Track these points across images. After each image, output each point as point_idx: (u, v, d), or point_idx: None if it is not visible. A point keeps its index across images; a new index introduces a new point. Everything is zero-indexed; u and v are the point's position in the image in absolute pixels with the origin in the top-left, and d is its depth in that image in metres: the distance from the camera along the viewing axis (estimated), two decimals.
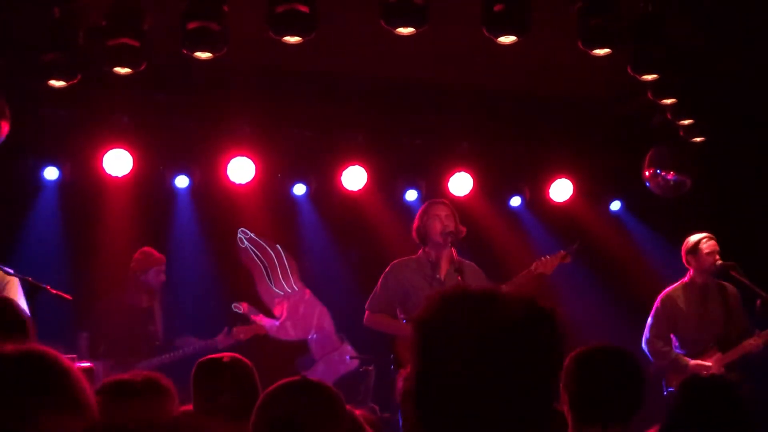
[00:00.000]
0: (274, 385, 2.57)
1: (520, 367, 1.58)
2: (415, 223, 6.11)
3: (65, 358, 1.95)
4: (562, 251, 6.21)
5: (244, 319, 8.16)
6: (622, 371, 3.15)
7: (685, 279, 6.67)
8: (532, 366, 1.60)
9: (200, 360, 3.66)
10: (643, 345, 6.65)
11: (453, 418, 1.59)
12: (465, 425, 1.58)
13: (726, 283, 6.64)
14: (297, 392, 2.55)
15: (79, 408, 1.88)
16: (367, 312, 6.16)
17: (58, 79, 5.43)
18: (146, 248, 7.06)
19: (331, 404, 2.53)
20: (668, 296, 6.68)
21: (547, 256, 6.16)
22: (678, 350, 6.62)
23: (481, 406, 1.57)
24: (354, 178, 8.07)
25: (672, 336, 6.67)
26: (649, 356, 6.59)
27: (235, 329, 7.07)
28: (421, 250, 6.12)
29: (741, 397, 3.04)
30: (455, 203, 8.02)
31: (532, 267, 6.09)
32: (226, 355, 3.71)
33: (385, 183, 8.32)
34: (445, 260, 6.02)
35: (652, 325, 6.66)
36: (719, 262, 6.46)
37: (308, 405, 2.51)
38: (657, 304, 6.70)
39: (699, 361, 6.47)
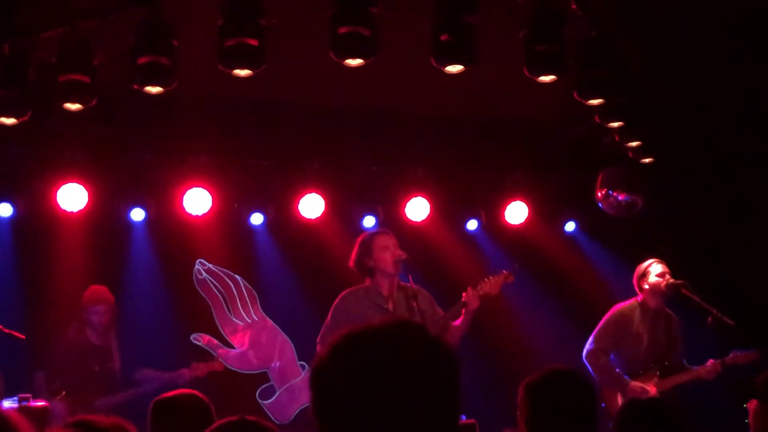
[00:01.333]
0: (213, 426, 2.55)
1: (409, 396, 1.61)
2: (355, 255, 5.99)
3: (27, 424, 1.91)
4: (504, 271, 6.15)
5: (203, 351, 8.10)
6: (576, 394, 3.20)
7: (639, 298, 6.70)
8: (421, 393, 1.63)
9: (157, 398, 3.63)
10: (585, 356, 6.61)
11: None
12: None
13: (671, 313, 6.71)
14: None
15: None
16: (318, 346, 5.91)
17: (8, 116, 5.37)
18: (96, 286, 7.01)
19: None
20: (622, 313, 6.69)
21: (491, 277, 6.10)
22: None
23: None
24: (311, 206, 8.06)
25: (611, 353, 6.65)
26: (589, 368, 6.55)
27: (193, 365, 7.03)
28: (368, 280, 6.01)
29: (681, 422, 3.11)
30: (413, 228, 8.15)
31: (477, 287, 5.98)
32: (183, 392, 3.69)
33: (342, 210, 8.32)
34: (395, 289, 5.98)
35: (599, 338, 6.62)
36: (670, 281, 6.56)
37: None
38: (608, 317, 6.69)
39: (639, 383, 6.48)
